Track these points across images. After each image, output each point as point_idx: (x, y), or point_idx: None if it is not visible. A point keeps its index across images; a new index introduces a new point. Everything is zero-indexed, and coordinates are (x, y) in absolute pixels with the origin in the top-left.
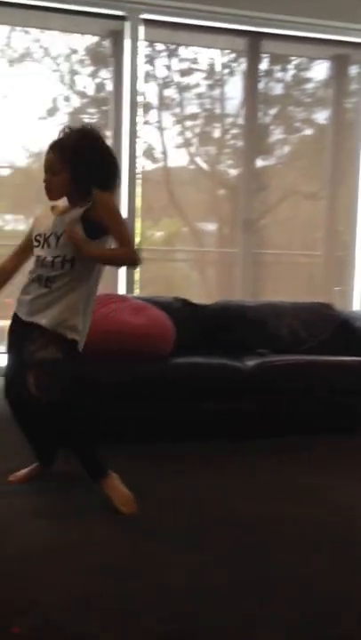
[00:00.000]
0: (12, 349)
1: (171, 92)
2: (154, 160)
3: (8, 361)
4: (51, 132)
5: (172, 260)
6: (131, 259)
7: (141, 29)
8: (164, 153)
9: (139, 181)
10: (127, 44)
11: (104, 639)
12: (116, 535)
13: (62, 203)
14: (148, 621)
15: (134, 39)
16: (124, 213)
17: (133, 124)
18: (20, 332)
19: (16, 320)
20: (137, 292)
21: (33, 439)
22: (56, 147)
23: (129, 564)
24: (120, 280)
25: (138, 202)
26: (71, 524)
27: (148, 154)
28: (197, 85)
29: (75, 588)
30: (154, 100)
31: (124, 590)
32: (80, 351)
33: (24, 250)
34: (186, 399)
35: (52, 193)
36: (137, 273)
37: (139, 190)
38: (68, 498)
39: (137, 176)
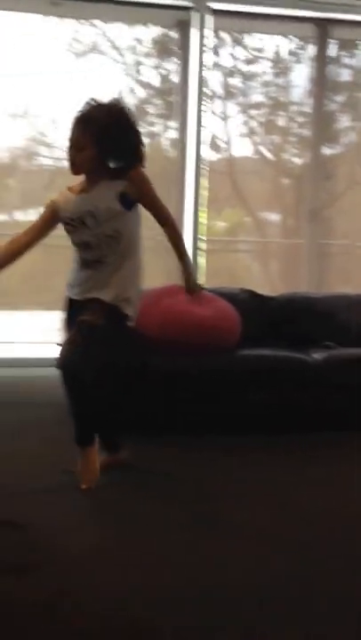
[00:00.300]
0: (67, 332)
1: (235, 81)
2: (217, 150)
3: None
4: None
5: (235, 250)
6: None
7: (209, 19)
8: (228, 142)
9: (204, 172)
10: (194, 33)
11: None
12: (175, 530)
13: (77, 182)
14: (210, 622)
15: (202, 29)
16: (188, 204)
17: (199, 114)
18: (76, 311)
19: (71, 304)
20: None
21: (99, 429)
22: (81, 122)
23: (188, 560)
24: None
25: (203, 192)
26: (130, 519)
27: (212, 144)
28: (263, 74)
29: (134, 584)
30: (218, 90)
31: (185, 588)
32: (131, 325)
33: (39, 229)
34: (252, 391)
35: (76, 168)
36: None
37: (204, 181)
38: (125, 492)
39: (202, 166)
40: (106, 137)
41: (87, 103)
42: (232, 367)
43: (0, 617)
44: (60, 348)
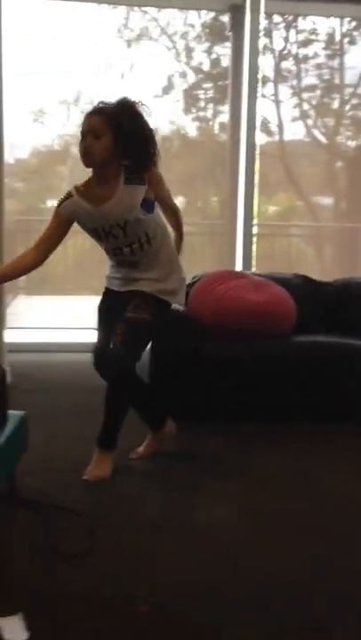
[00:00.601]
0: (104, 322)
1: (288, 64)
2: (269, 134)
3: (99, 335)
4: (166, 109)
5: (287, 235)
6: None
7: (262, 1)
8: (280, 126)
9: (257, 156)
10: (247, 17)
11: (232, 631)
12: (238, 517)
13: (82, 184)
14: (277, 614)
15: (255, 12)
16: (241, 189)
17: (253, 97)
18: (115, 302)
19: (110, 294)
20: (253, 268)
21: (136, 406)
22: (101, 112)
23: (251, 549)
24: (237, 256)
25: (255, 177)
26: (192, 501)
27: (264, 127)
28: (316, 56)
29: (197, 570)
30: (270, 73)
31: (248, 578)
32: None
33: (52, 241)
34: (304, 378)
35: (91, 157)
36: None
37: (256, 165)
38: (188, 475)
39: (256, 151)
40: (123, 125)
41: (101, 103)
42: (286, 354)
43: (56, 605)
44: (95, 338)
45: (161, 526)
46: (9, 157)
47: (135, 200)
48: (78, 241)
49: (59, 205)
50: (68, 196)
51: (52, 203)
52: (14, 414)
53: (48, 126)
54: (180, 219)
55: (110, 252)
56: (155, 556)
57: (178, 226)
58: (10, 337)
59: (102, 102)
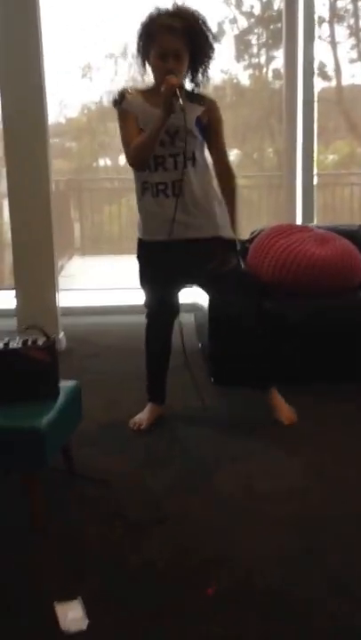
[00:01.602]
0: (162, 274)
1: (344, 3)
2: (326, 78)
3: (153, 288)
4: (217, 57)
5: (348, 184)
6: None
7: None
8: (337, 70)
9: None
10: None
11: (308, 604)
12: (310, 486)
13: (139, 90)
14: (352, 588)
15: None
16: (299, 138)
17: (309, 40)
18: (172, 255)
19: (157, 245)
20: (315, 221)
21: (163, 373)
22: (179, 31)
23: (324, 520)
24: (298, 209)
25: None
26: (263, 471)
27: (320, 72)
28: None
29: (272, 542)
30: (325, 14)
31: (323, 549)
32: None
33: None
34: None
35: (177, 78)
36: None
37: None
38: (260, 444)
39: (314, 98)
40: (199, 45)
41: (175, 8)
42: (355, 309)
43: (122, 575)
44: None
45: (227, 498)
46: (59, 116)
47: (192, 114)
48: (131, 199)
49: (120, 104)
50: (122, 95)
51: (105, 161)
52: (67, 384)
53: (96, 82)
54: (231, 172)
55: (155, 166)
56: (226, 529)
57: (227, 180)
58: (64, 300)
59: (170, 13)
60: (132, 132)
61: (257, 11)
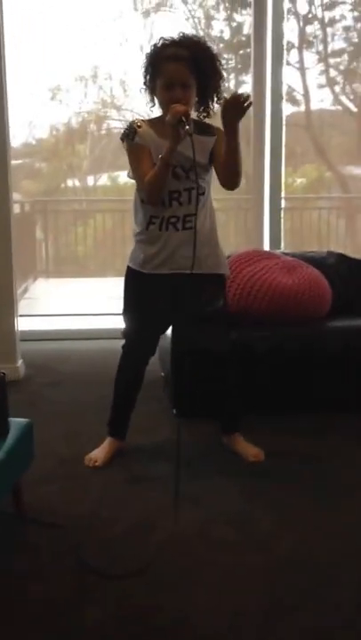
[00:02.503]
0: (152, 308)
1: (313, 29)
2: (294, 103)
3: (139, 320)
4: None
5: (316, 208)
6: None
7: None
8: (306, 95)
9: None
10: None
11: None
12: (276, 533)
13: (149, 121)
14: None
15: None
16: (267, 161)
17: (277, 65)
18: (166, 287)
19: (150, 277)
20: (282, 245)
21: (129, 407)
22: (185, 58)
23: (291, 572)
24: (265, 232)
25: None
26: (225, 515)
27: (288, 96)
28: (342, 19)
29: (235, 599)
30: (294, 39)
31: (292, 606)
32: None
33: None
34: (344, 366)
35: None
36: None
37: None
38: (222, 484)
39: (283, 122)
40: (205, 74)
41: (180, 37)
42: (321, 339)
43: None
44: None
45: (186, 546)
46: (29, 137)
47: (204, 147)
48: (98, 220)
49: (131, 140)
50: (133, 129)
51: (74, 182)
52: (18, 422)
53: (66, 104)
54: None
55: (169, 200)
56: (184, 584)
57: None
58: (24, 324)
59: (175, 42)
60: (146, 166)
61: (226, 35)
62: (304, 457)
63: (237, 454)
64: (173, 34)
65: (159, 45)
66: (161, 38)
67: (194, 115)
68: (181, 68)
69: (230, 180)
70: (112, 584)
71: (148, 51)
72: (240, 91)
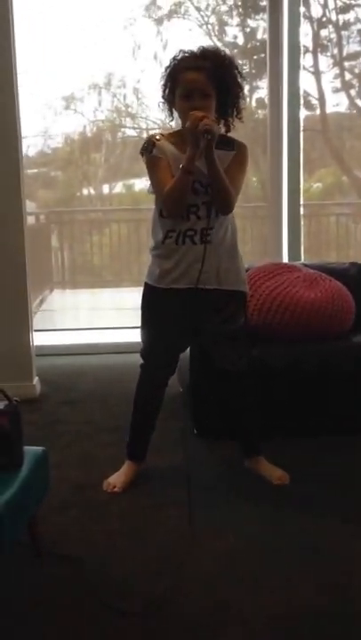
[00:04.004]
0: (170, 324)
1: (327, 33)
2: (309, 107)
3: (157, 338)
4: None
5: (333, 214)
6: (232, 204)
7: None
8: (321, 99)
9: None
10: None
11: None
12: (305, 570)
13: (167, 135)
14: None
15: None
16: (285, 167)
17: (294, 70)
18: (183, 303)
19: (167, 292)
20: (302, 254)
21: (149, 429)
22: (204, 67)
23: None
24: (283, 240)
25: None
26: (249, 549)
27: (303, 100)
28: (357, 22)
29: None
30: (308, 43)
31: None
32: None
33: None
34: None
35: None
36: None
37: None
38: (246, 511)
39: (300, 127)
40: (227, 87)
41: (200, 49)
42: (345, 356)
43: None
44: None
45: (208, 585)
46: (44, 146)
47: (225, 161)
48: (114, 229)
49: (150, 153)
50: (151, 142)
51: (89, 190)
52: (33, 451)
53: (80, 113)
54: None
55: (188, 213)
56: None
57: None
58: (39, 338)
59: (195, 54)
60: (165, 178)
61: (240, 41)
62: (329, 480)
63: (261, 477)
64: (193, 46)
65: (179, 57)
66: (181, 51)
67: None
68: (201, 77)
69: (215, 203)
70: (130, 621)
71: (168, 63)
72: (255, 96)
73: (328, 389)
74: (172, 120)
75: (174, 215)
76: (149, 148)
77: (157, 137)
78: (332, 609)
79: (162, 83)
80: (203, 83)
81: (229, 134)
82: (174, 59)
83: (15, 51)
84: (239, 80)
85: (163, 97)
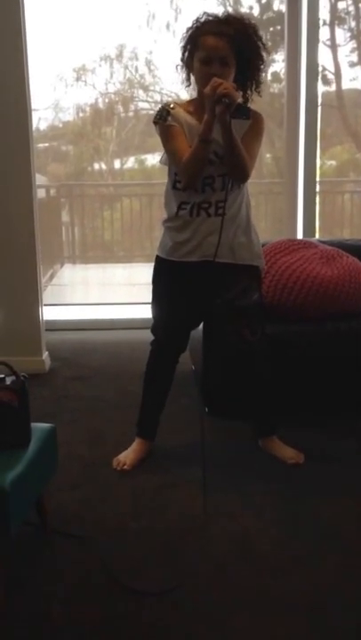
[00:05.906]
0: (182, 299)
1: (344, 5)
2: (325, 82)
3: (168, 313)
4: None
5: (348, 191)
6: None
7: None
8: (337, 73)
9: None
10: None
11: None
12: (322, 551)
13: (184, 103)
14: None
15: None
16: (301, 144)
17: (313, 43)
18: (196, 276)
19: (179, 266)
20: (317, 231)
21: (159, 407)
22: (226, 34)
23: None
24: (298, 217)
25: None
26: (264, 531)
27: (320, 75)
28: None
29: (277, 628)
30: (325, 16)
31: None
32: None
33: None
34: None
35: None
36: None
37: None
38: (260, 492)
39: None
40: (248, 56)
41: (225, 14)
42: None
43: None
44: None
45: (221, 567)
46: (55, 120)
47: (241, 130)
48: (125, 204)
49: (164, 121)
50: (166, 110)
51: (100, 165)
52: (40, 428)
53: (92, 85)
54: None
55: (202, 184)
56: (219, 611)
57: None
58: (49, 313)
59: (219, 18)
60: (182, 147)
61: (256, 12)
62: (344, 460)
63: (275, 458)
64: (218, 11)
65: (202, 20)
66: (205, 13)
67: None
68: (222, 43)
69: (231, 172)
70: (141, 603)
71: (190, 24)
72: (271, 70)
73: (344, 368)
74: (188, 85)
75: (191, 187)
76: (164, 116)
77: (172, 105)
78: (350, 591)
79: (181, 44)
80: (223, 50)
81: None
82: (197, 20)
83: (25, 22)
84: (262, 52)
85: (181, 59)
